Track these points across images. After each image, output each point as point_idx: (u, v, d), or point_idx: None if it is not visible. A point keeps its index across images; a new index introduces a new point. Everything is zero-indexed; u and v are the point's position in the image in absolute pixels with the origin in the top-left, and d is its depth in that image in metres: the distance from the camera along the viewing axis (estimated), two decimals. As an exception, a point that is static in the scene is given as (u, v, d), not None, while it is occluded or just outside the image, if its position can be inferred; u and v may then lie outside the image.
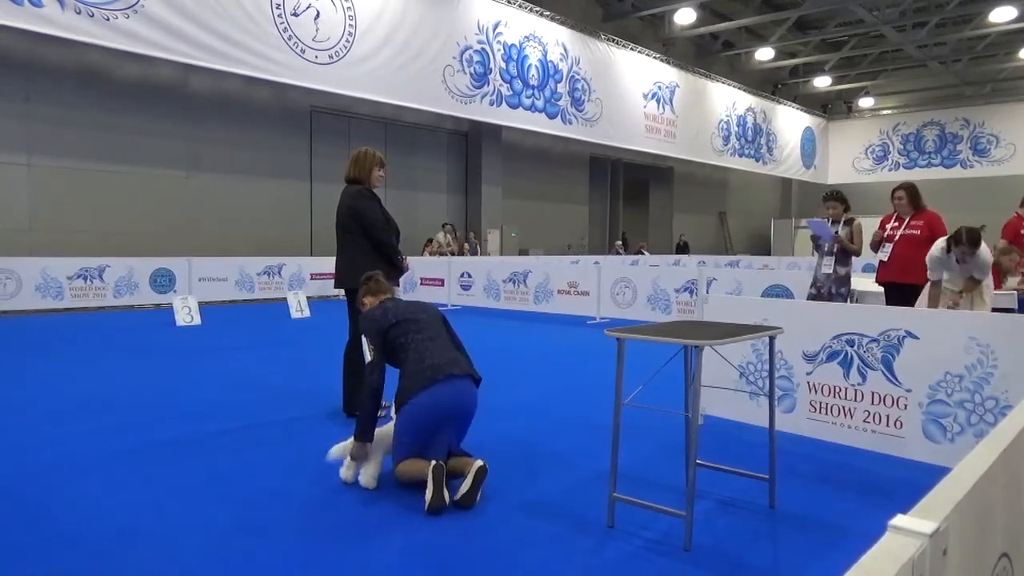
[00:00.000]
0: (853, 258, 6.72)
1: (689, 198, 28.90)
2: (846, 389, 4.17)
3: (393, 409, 3.50)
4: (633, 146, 22.45)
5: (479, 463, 3.18)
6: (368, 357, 3.61)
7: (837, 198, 6.74)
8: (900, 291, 5.95)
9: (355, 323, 4.84)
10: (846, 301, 6.59)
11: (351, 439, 3.48)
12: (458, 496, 3.12)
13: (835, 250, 6.61)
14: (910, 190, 6.14)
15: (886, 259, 6.07)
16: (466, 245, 19.33)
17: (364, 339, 3.68)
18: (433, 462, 3.12)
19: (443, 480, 3.10)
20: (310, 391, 5.64)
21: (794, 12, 21.87)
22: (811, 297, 6.70)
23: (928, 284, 5.56)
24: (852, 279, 6.81)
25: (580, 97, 19.98)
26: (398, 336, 3.55)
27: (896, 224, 6.15)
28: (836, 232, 6.64)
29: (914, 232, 5.98)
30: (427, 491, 3.08)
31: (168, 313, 10.44)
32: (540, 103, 18.75)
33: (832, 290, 6.57)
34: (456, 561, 2.69)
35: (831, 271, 6.60)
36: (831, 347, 4.23)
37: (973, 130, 30.14)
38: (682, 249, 26.42)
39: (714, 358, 4.32)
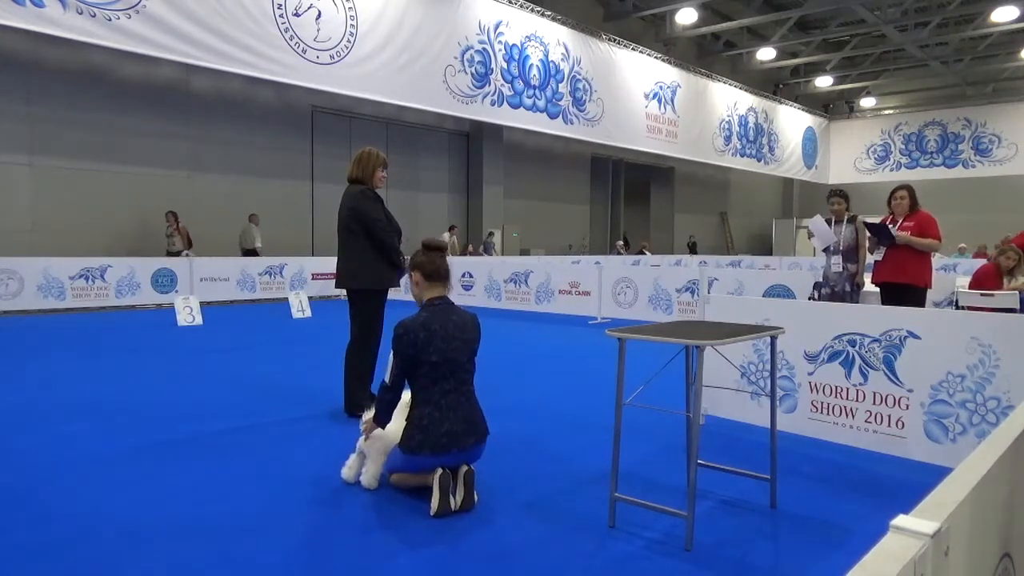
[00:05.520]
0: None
1: (690, 198, 28.90)
2: (848, 389, 4.17)
3: (399, 429, 3.39)
4: (634, 146, 22.45)
5: (465, 467, 3.21)
6: (387, 373, 3.28)
7: (842, 195, 6.79)
8: (895, 291, 5.97)
9: (357, 323, 4.84)
10: (858, 297, 6.61)
11: (355, 455, 3.50)
12: (457, 504, 3.14)
13: (841, 248, 6.65)
14: (911, 190, 6.18)
15: (881, 259, 6.09)
16: (470, 246, 19.33)
17: (391, 355, 3.27)
18: (440, 470, 3.14)
19: (448, 487, 3.13)
20: (311, 391, 5.64)
21: (795, 12, 21.86)
22: (825, 297, 6.70)
23: None
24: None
25: (581, 97, 19.98)
26: (426, 376, 3.22)
27: (891, 225, 6.16)
28: (831, 222, 6.73)
29: (903, 233, 5.99)
30: (433, 498, 3.10)
31: (170, 313, 10.45)
32: (541, 103, 18.75)
33: (847, 287, 6.61)
34: (457, 561, 2.69)
35: (841, 269, 6.63)
36: (832, 347, 4.22)
37: (975, 130, 30.11)
38: (693, 249, 26.43)
39: (715, 358, 4.32)
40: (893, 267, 5.99)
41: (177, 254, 13.42)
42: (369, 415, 3.44)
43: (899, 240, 5.91)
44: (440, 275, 3.38)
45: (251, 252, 14.56)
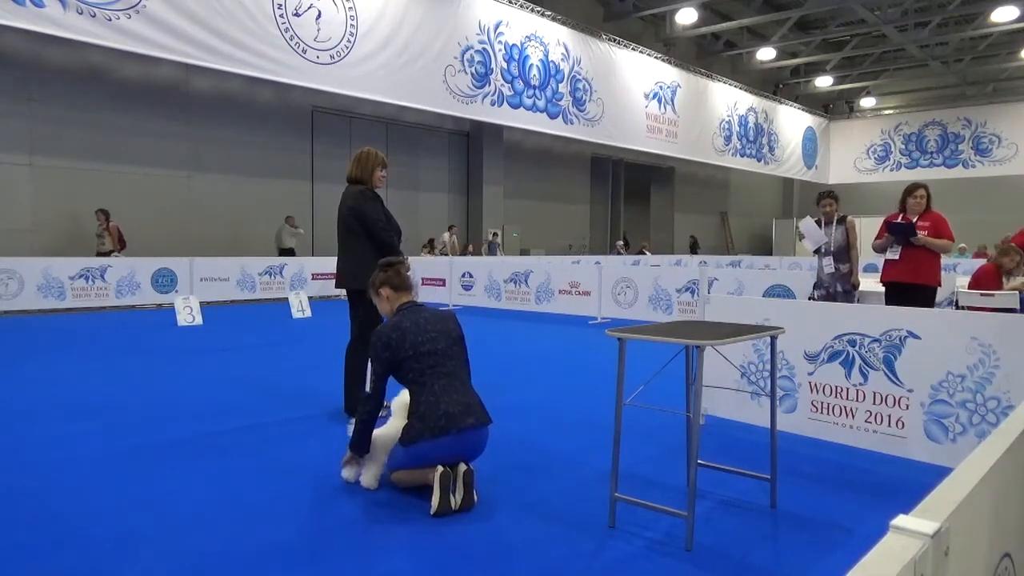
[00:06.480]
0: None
1: (690, 198, 28.90)
2: (848, 389, 4.17)
3: (398, 428, 3.41)
4: (634, 146, 22.44)
5: (464, 467, 3.21)
6: (368, 382, 3.33)
7: (833, 196, 6.80)
8: (904, 291, 5.94)
9: (357, 323, 4.84)
10: (854, 296, 6.61)
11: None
12: (457, 504, 3.15)
13: (831, 249, 6.66)
14: (929, 190, 6.16)
15: (896, 258, 6.03)
16: (470, 246, 19.32)
17: (370, 362, 3.35)
18: (440, 468, 3.14)
19: (449, 486, 3.13)
20: (311, 391, 5.64)
21: (796, 12, 21.86)
22: (820, 299, 6.70)
23: None
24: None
25: (581, 97, 19.98)
26: (412, 370, 3.32)
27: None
28: (821, 223, 6.73)
29: (922, 233, 5.97)
30: (433, 497, 3.11)
31: (170, 313, 10.45)
32: (541, 103, 18.75)
33: (840, 288, 6.61)
34: (457, 561, 2.69)
35: (833, 270, 6.63)
36: (833, 347, 4.22)
37: (975, 130, 30.10)
38: (694, 248, 26.43)
39: (715, 358, 4.32)
40: (908, 267, 5.97)
41: (107, 254, 12.52)
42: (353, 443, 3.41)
43: (916, 242, 5.87)
44: (407, 285, 3.65)
45: (288, 252, 15.26)
